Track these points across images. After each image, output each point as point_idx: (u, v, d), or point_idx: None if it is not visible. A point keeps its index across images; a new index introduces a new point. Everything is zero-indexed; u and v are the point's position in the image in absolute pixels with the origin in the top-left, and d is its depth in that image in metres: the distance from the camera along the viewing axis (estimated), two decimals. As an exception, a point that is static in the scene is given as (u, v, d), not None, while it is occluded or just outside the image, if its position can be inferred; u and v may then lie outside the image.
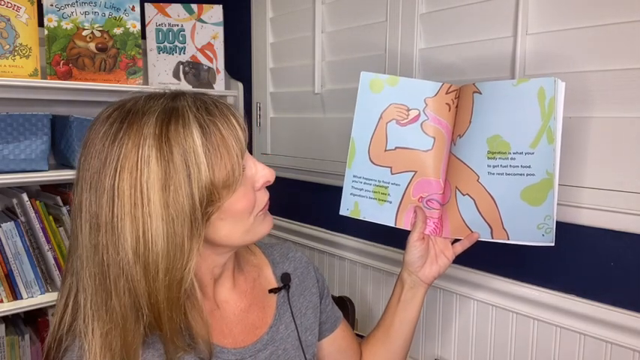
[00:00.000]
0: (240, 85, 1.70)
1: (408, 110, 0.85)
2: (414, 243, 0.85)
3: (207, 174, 0.61)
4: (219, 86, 1.60)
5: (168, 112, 0.62)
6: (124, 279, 0.60)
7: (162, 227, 0.59)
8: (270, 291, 0.82)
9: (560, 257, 0.95)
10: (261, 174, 0.70)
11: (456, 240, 0.86)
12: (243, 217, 0.68)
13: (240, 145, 0.65)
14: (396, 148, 0.86)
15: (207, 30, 1.56)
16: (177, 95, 0.65)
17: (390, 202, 0.87)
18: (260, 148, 1.65)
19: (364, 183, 0.88)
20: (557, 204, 0.91)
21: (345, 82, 1.35)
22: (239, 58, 1.70)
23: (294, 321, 0.82)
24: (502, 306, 1.04)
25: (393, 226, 0.88)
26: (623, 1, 0.84)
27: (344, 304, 1.11)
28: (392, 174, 0.86)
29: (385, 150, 0.86)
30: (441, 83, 0.85)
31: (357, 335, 1.21)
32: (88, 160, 0.62)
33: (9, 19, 1.22)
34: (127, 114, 0.62)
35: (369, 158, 0.87)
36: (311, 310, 0.86)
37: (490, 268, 1.05)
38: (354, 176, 0.88)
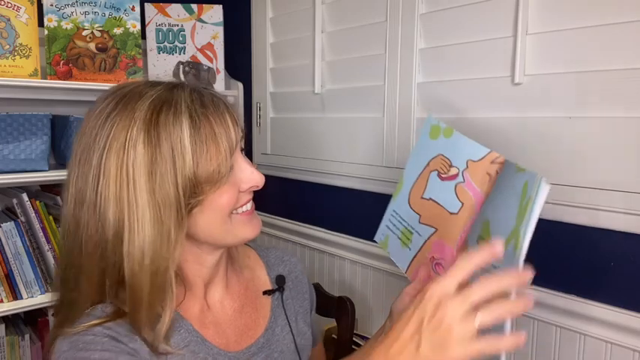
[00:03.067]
0: (240, 85, 1.70)
1: (450, 166, 0.80)
2: (407, 292, 0.80)
3: (192, 166, 0.61)
4: (219, 86, 1.60)
5: (162, 100, 0.62)
6: (98, 258, 0.61)
7: (149, 214, 0.59)
8: (265, 292, 0.81)
9: (560, 257, 0.95)
10: (249, 177, 0.68)
11: None
12: (223, 213, 0.66)
13: (230, 143, 0.64)
14: (430, 199, 0.82)
15: (207, 30, 1.56)
16: (176, 85, 0.65)
17: (410, 249, 0.85)
18: (260, 148, 1.65)
19: (398, 221, 0.87)
20: (557, 204, 0.92)
21: (345, 82, 1.35)
22: (239, 58, 1.70)
23: (289, 323, 0.81)
24: (502, 306, 1.03)
25: (404, 273, 0.85)
26: (623, 1, 0.84)
27: (344, 304, 1.11)
28: (420, 222, 0.83)
29: (421, 197, 0.83)
30: (489, 150, 0.74)
31: (357, 335, 1.21)
32: (80, 135, 0.63)
33: (9, 19, 1.22)
34: (124, 96, 0.63)
35: (409, 199, 0.85)
36: (301, 316, 0.86)
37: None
38: (394, 211, 0.87)
